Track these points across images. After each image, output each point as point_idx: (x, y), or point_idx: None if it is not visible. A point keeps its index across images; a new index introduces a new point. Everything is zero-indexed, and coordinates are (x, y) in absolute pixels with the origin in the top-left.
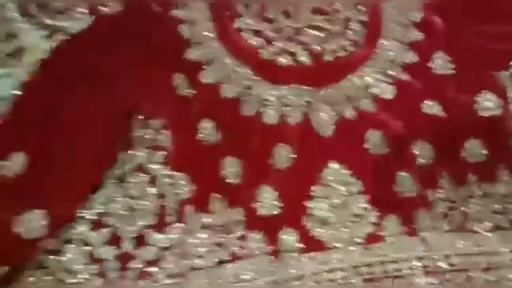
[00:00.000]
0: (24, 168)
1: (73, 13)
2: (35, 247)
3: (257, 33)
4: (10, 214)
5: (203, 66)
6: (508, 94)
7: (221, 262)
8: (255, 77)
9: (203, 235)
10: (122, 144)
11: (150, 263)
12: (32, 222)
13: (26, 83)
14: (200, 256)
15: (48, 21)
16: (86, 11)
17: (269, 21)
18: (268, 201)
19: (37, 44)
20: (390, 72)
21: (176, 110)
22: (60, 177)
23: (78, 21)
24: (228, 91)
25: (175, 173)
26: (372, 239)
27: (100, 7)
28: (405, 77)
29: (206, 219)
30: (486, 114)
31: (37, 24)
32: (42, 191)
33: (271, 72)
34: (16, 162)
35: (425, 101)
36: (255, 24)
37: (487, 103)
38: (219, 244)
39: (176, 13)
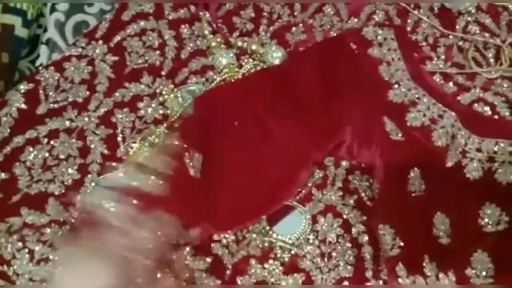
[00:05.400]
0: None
1: (259, 38)
2: None
3: (448, 78)
4: None
5: (408, 109)
6: None
7: None
8: (459, 125)
9: None
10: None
11: None
12: None
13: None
14: None
15: (237, 43)
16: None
17: (458, 66)
18: (482, 269)
19: (226, 64)
20: None
21: (387, 157)
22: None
23: (269, 48)
24: (439, 138)
25: (381, 225)
26: None
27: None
28: None
29: (419, 280)
30: None
31: (225, 44)
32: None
33: (474, 122)
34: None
35: None
36: (444, 68)
37: None
38: None
39: (372, 52)
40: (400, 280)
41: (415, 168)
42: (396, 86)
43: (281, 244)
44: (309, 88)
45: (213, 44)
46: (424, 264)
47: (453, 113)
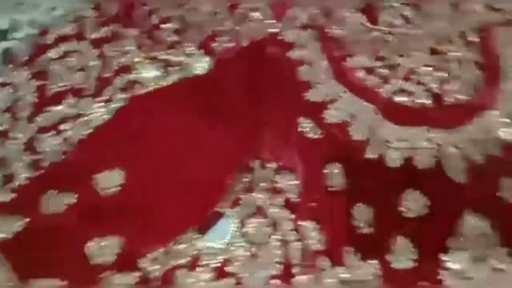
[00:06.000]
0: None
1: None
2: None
3: (370, 71)
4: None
5: (327, 106)
6: None
7: None
8: (380, 117)
9: None
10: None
11: None
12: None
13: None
14: None
15: (162, 56)
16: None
17: (381, 59)
18: (402, 253)
19: (153, 78)
20: None
21: (304, 155)
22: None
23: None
24: (356, 132)
25: (303, 221)
26: None
27: (211, 44)
28: None
29: (340, 271)
30: None
31: (151, 58)
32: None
33: (394, 112)
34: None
35: None
36: (367, 62)
37: None
38: None
39: (292, 54)
40: (324, 272)
41: (336, 163)
42: (317, 85)
43: (210, 251)
44: (235, 94)
45: (137, 60)
46: (346, 254)
47: (373, 106)
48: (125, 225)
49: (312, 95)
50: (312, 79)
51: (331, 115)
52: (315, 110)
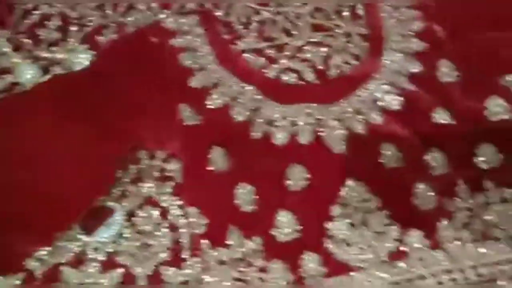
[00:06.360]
0: None
1: (67, 45)
2: None
3: (259, 53)
4: None
5: (209, 92)
6: None
7: None
8: (262, 98)
9: (221, 270)
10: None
11: None
12: None
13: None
14: None
15: (44, 54)
16: (77, 43)
17: (270, 40)
18: (286, 226)
19: (32, 79)
20: (397, 84)
21: (185, 142)
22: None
23: (75, 53)
24: (238, 114)
25: (188, 206)
26: (397, 256)
27: (96, 37)
28: (412, 87)
29: (223, 253)
30: (496, 118)
31: (31, 58)
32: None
33: (278, 92)
34: None
35: (434, 110)
36: (255, 44)
37: (496, 108)
38: (238, 279)
39: (175, 42)
40: (205, 254)
41: (217, 147)
42: (199, 71)
43: (96, 245)
44: (115, 86)
45: (15, 60)
46: (228, 234)
47: (254, 88)
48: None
49: (194, 82)
50: (195, 65)
51: (213, 100)
52: (197, 96)
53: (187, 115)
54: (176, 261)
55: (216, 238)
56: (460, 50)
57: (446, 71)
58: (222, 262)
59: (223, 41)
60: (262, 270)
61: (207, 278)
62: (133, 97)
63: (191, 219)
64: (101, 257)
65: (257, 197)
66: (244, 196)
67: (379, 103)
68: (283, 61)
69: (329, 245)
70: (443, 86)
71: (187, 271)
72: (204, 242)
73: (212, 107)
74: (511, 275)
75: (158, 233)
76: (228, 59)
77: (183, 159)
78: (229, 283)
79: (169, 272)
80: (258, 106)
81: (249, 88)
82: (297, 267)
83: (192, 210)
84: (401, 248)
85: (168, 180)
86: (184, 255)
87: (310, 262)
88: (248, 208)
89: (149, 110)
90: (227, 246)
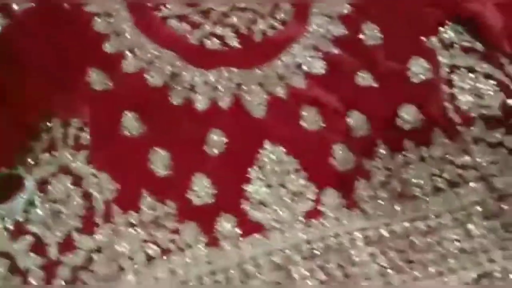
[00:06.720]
0: None
1: None
2: None
3: (183, 19)
4: None
5: (125, 56)
6: (438, 58)
7: (152, 259)
8: (182, 63)
9: (131, 233)
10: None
11: (79, 268)
12: None
13: None
14: (129, 256)
15: None
16: None
17: (194, 5)
18: (202, 189)
19: None
20: (321, 47)
21: (94, 107)
22: None
23: None
24: (154, 79)
25: (98, 172)
26: (312, 215)
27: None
28: (336, 51)
29: (134, 217)
30: (417, 80)
31: None
32: None
33: (200, 58)
34: None
35: (357, 73)
36: (179, 10)
37: (418, 69)
38: (148, 241)
39: (90, 8)
40: (116, 217)
41: (130, 112)
42: (114, 36)
43: (5, 214)
44: (30, 50)
45: None
46: (141, 199)
47: (173, 53)
48: None
49: (108, 47)
50: (112, 30)
51: (128, 65)
52: (111, 62)
53: (98, 79)
54: (88, 228)
55: (128, 203)
56: (384, 12)
57: (370, 34)
58: (131, 225)
59: (143, 7)
60: (174, 232)
61: (118, 241)
62: (45, 64)
63: (102, 185)
64: (9, 225)
65: (173, 162)
66: (159, 161)
67: (303, 68)
68: (207, 26)
69: (246, 207)
70: (367, 49)
71: (99, 237)
72: (115, 207)
73: (126, 72)
74: (424, 231)
75: (70, 200)
76: (148, 25)
77: (93, 124)
78: (137, 245)
79: (81, 239)
80: (178, 72)
81: (166, 53)
82: (211, 229)
83: (103, 175)
84: (318, 208)
85: (83, 149)
86: (97, 221)
87: (225, 223)
88: (163, 173)
89: (60, 77)
90: (138, 210)
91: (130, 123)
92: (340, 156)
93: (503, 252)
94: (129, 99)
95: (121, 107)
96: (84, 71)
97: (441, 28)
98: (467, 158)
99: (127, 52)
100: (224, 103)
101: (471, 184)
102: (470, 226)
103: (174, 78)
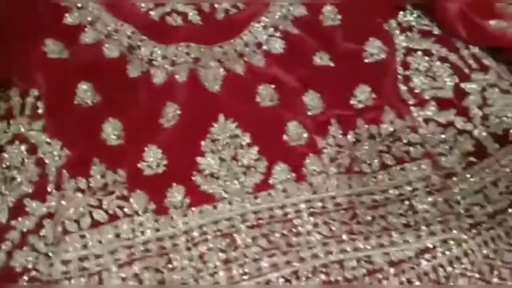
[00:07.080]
0: None
1: None
2: None
3: None
4: None
5: (84, 28)
6: (394, 40)
7: (98, 224)
8: (142, 37)
9: (78, 198)
10: None
11: (29, 232)
12: None
13: None
14: (75, 220)
15: None
16: None
17: None
18: (153, 160)
19: None
20: (281, 27)
21: (49, 75)
22: None
23: None
24: (110, 51)
25: (51, 140)
26: (261, 187)
27: None
28: (295, 31)
29: (83, 183)
30: (372, 60)
31: None
32: None
33: (160, 33)
34: None
35: (315, 53)
36: None
37: (373, 50)
38: (95, 207)
39: None
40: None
41: (85, 82)
42: (76, 9)
43: None
44: None
45: None
46: (92, 167)
47: (130, 26)
48: None
49: (69, 19)
50: (74, 3)
51: (87, 37)
52: (69, 33)
53: (54, 49)
54: (40, 194)
55: (78, 169)
56: None
57: (330, 15)
58: (80, 190)
59: None
60: (123, 198)
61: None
62: (3, 33)
63: (54, 152)
64: None
65: (126, 132)
66: (111, 130)
67: (263, 47)
68: (170, 4)
69: (197, 178)
70: (325, 30)
71: (50, 203)
72: (65, 173)
73: (85, 43)
74: (370, 205)
75: (24, 167)
76: (111, 0)
77: (47, 92)
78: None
79: (33, 205)
80: (136, 45)
81: (125, 26)
82: (162, 199)
83: (55, 142)
84: (268, 181)
85: (40, 118)
86: (49, 188)
87: (176, 194)
88: (115, 142)
89: (17, 46)
90: (88, 177)
91: (84, 93)
92: (293, 132)
93: (443, 226)
94: (84, 69)
95: (76, 76)
96: (41, 41)
97: (401, 12)
98: (414, 135)
99: (87, 25)
100: (180, 76)
101: (418, 161)
102: (414, 202)
103: (131, 51)
